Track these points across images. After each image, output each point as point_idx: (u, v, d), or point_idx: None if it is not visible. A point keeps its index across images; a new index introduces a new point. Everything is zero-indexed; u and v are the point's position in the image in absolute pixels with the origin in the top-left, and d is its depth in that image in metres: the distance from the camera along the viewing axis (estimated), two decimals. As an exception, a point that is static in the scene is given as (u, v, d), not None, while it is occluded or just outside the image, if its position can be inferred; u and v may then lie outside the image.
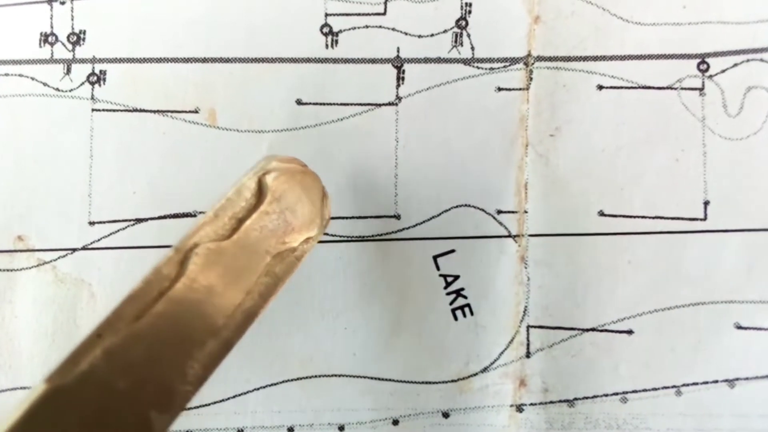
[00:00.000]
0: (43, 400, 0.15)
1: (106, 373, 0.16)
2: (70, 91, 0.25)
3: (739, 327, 0.24)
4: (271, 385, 0.24)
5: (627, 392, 0.24)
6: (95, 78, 0.25)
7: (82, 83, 0.25)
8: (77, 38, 0.25)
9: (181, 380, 0.17)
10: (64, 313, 0.24)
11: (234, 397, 0.24)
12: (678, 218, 0.24)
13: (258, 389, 0.24)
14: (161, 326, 0.17)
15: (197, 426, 0.24)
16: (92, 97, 0.25)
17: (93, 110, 0.25)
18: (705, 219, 0.24)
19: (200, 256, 0.18)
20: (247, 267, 0.18)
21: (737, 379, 0.24)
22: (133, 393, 0.16)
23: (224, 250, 0.18)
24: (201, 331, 0.17)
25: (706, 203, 0.24)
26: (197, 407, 0.24)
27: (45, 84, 0.24)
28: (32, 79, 0.24)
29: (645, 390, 0.24)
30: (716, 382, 0.24)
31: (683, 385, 0.24)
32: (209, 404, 0.24)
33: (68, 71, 0.25)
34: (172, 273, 0.17)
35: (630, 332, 0.24)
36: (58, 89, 0.25)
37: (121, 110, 0.25)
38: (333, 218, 0.24)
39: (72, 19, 0.25)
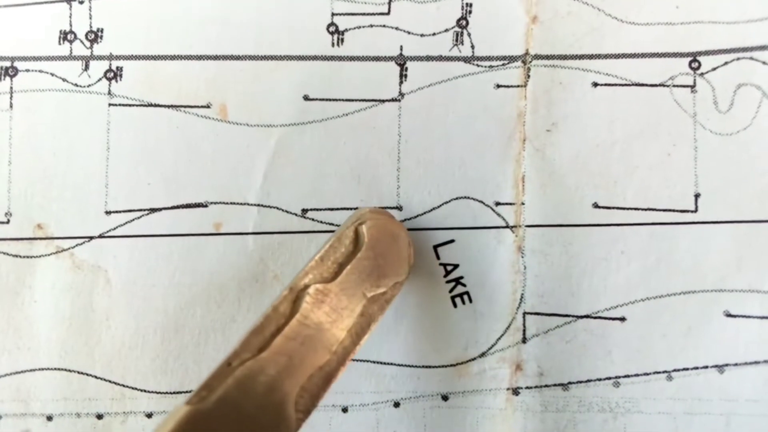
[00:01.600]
0: (185, 421, 0.17)
1: (236, 399, 0.18)
2: (88, 86, 0.25)
3: (729, 315, 0.24)
4: (278, 368, 0.25)
5: (619, 377, 0.24)
6: (112, 74, 0.25)
7: (100, 79, 0.25)
8: (95, 36, 0.25)
9: (295, 408, 0.19)
10: (81, 298, 0.25)
11: (242, 379, 0.25)
12: (670, 210, 0.24)
13: (265, 372, 0.25)
14: (280, 358, 0.19)
15: (207, 407, 0.25)
16: (109, 93, 0.25)
17: (110, 105, 0.25)
18: (696, 211, 0.24)
19: (311, 296, 0.20)
20: (347, 307, 0.20)
21: (726, 365, 0.24)
22: (258, 418, 0.18)
23: (329, 291, 0.20)
24: (311, 364, 0.19)
25: (697, 196, 0.24)
26: (207, 389, 0.25)
27: (64, 79, 0.25)
28: (52, 74, 0.25)
29: (637, 375, 0.24)
30: (706, 367, 0.24)
31: (674, 370, 0.24)
32: (219, 386, 0.25)
33: (86, 67, 0.25)
34: (287, 310, 0.20)
35: (623, 319, 0.24)
36: (76, 85, 0.25)
37: (137, 105, 0.25)
38: (338, 209, 0.25)
39: (90, 18, 0.25)
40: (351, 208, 0.25)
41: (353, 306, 0.20)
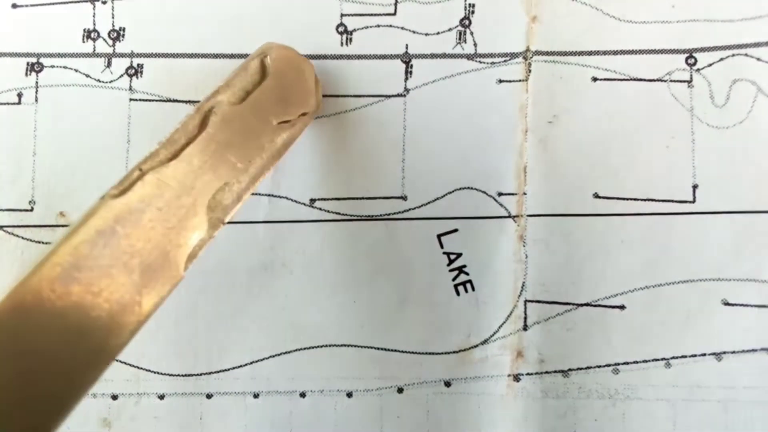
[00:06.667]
0: (104, 211, 0.18)
1: (149, 197, 0.18)
2: (110, 82, 0.25)
3: (726, 303, 0.23)
4: (286, 353, 0.24)
5: (619, 364, 0.23)
6: (133, 71, 0.25)
7: (121, 75, 0.25)
8: (117, 35, 0.25)
9: (211, 209, 0.19)
10: (99, 284, 0.24)
11: (251, 363, 0.24)
12: (668, 200, 0.24)
13: (273, 357, 0.24)
14: (189, 167, 0.19)
15: (217, 390, 0.24)
16: (130, 88, 0.25)
17: (130, 100, 0.25)
18: (694, 201, 0.24)
19: (217, 115, 0.20)
20: (256, 128, 0.20)
21: (724, 353, 0.23)
22: (171, 213, 0.18)
23: (237, 112, 0.20)
24: (221, 176, 0.19)
25: (695, 187, 0.24)
26: (217, 372, 0.24)
27: (87, 75, 0.25)
28: (76, 71, 0.25)
29: (636, 362, 0.23)
30: (704, 355, 0.23)
31: (672, 357, 0.23)
32: (228, 369, 0.24)
33: (109, 64, 0.25)
34: (195, 129, 0.20)
35: (622, 307, 0.23)
36: (99, 80, 0.25)
37: (156, 100, 0.25)
38: (344, 199, 0.24)
39: (113, 18, 0.25)
40: (358, 198, 0.24)
41: (261, 129, 0.20)
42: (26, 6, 0.25)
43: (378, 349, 0.24)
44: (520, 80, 0.24)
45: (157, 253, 0.18)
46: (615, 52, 0.24)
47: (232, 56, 0.25)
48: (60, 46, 0.25)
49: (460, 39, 0.24)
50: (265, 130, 0.20)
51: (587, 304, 0.24)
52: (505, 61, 0.24)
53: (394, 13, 0.25)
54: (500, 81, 0.24)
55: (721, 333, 0.23)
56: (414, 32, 0.25)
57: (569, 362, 0.24)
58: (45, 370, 0.16)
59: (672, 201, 0.24)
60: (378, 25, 0.25)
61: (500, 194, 0.24)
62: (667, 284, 0.23)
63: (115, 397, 0.24)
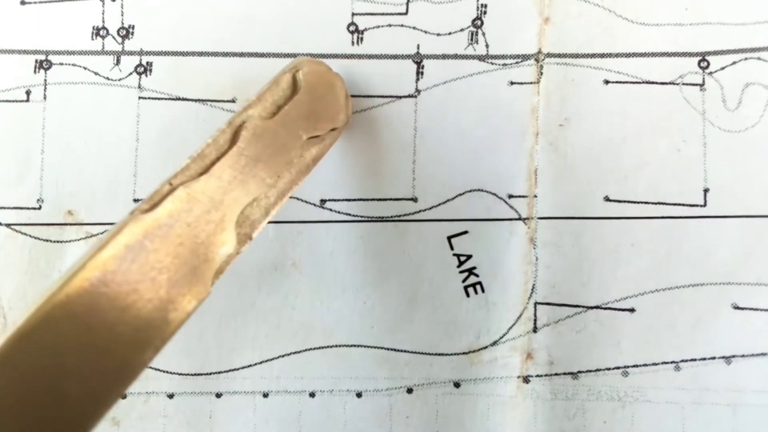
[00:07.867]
0: (132, 227, 0.17)
1: (177, 212, 0.18)
2: (119, 80, 0.24)
3: (736, 307, 0.23)
4: (295, 353, 0.24)
5: (628, 366, 0.23)
6: (142, 69, 0.24)
7: (130, 73, 0.24)
8: (126, 32, 0.25)
9: (236, 230, 0.19)
10: (108, 283, 0.24)
11: (261, 363, 0.24)
12: (679, 204, 0.23)
13: (283, 356, 0.24)
14: (219, 182, 0.19)
15: (227, 389, 0.24)
16: (139, 86, 0.24)
17: (139, 98, 0.24)
18: (705, 205, 0.23)
19: (248, 130, 0.19)
20: (285, 144, 0.20)
21: (733, 356, 0.23)
22: (200, 230, 0.18)
23: (268, 127, 0.20)
24: (249, 192, 0.19)
25: (706, 191, 0.23)
26: (227, 371, 0.24)
27: (96, 73, 0.24)
28: (85, 68, 0.24)
29: (645, 365, 0.23)
30: (713, 358, 0.23)
31: (682, 360, 0.23)
32: (238, 369, 0.24)
33: (118, 62, 0.24)
34: (226, 143, 0.19)
35: (632, 310, 0.23)
36: (108, 78, 0.24)
37: (165, 99, 0.24)
38: (355, 200, 0.24)
39: (122, 15, 0.24)
40: (368, 199, 0.24)
41: (291, 144, 0.20)
42: (35, 3, 0.24)
43: (387, 349, 0.24)
44: (531, 82, 0.24)
45: (185, 269, 0.17)
46: (627, 55, 0.24)
47: (241, 55, 0.24)
48: (69, 43, 0.24)
49: (471, 40, 0.24)
50: (294, 145, 0.20)
51: (597, 307, 0.23)
52: (516, 62, 0.24)
53: (406, 13, 0.24)
54: (512, 83, 0.24)
55: (731, 337, 0.23)
56: (426, 32, 0.24)
57: (579, 364, 0.23)
58: (70, 386, 0.15)
59: (683, 205, 0.23)
60: (389, 25, 0.24)
61: (511, 196, 0.24)
62: (677, 288, 0.23)
63: (123, 396, 0.24)
